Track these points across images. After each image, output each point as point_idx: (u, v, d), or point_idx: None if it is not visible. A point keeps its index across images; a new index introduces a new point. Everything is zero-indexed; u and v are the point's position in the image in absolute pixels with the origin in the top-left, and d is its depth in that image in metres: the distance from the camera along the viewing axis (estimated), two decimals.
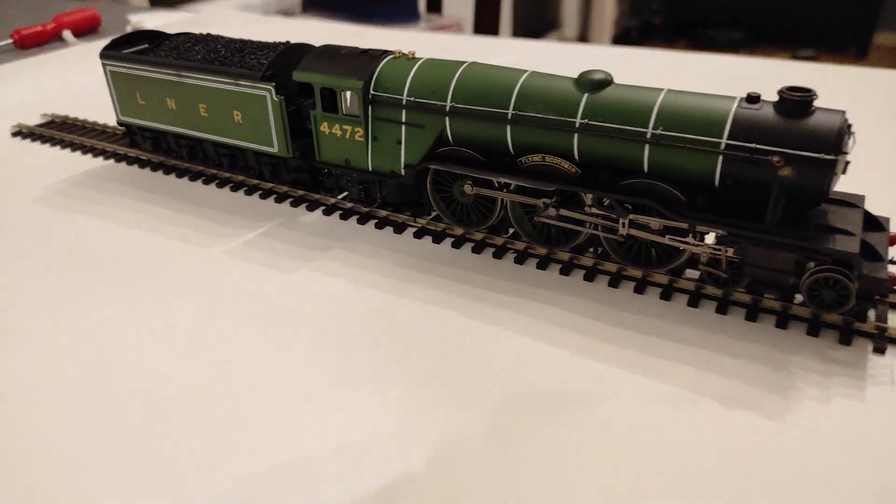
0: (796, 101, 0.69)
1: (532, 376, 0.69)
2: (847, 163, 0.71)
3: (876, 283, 0.67)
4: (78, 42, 2.02)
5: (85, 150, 1.25)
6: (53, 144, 1.29)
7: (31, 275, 0.89)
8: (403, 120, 0.88)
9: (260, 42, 1.04)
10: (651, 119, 0.74)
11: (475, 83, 0.84)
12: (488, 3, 3.42)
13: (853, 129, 0.70)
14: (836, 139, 0.67)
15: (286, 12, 3.80)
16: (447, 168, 0.87)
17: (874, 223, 0.75)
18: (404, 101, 0.87)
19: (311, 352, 0.74)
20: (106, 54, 1.11)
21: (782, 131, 0.69)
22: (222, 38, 1.09)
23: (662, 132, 0.74)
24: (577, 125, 0.78)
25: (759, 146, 0.70)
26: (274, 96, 0.96)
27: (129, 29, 2.18)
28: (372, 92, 0.89)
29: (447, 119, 0.85)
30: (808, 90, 0.70)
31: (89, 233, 0.98)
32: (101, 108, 1.35)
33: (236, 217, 1.01)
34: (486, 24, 3.35)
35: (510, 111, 0.81)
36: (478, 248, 0.90)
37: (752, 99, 0.72)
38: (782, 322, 0.75)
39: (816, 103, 0.70)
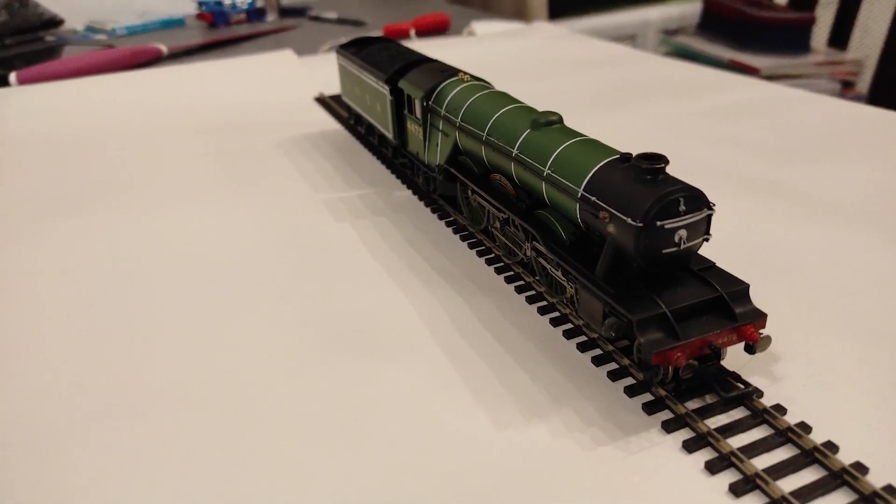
0: (643, 169, 0.72)
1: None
2: (703, 238, 0.71)
3: (647, 351, 0.67)
4: (416, 40, 2.58)
5: (335, 115, 1.75)
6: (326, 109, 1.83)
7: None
8: (440, 128, 1.10)
9: (420, 57, 1.34)
10: (549, 160, 0.83)
11: (477, 107, 1.01)
12: None
13: (698, 204, 0.70)
14: (647, 209, 0.69)
15: (671, 32, 3.94)
16: (452, 171, 1.06)
17: (730, 312, 0.71)
18: (442, 113, 1.08)
19: (305, 261, 1.05)
20: (339, 51, 1.54)
21: (618, 192, 0.73)
22: (401, 48, 1.42)
23: (551, 172, 0.82)
24: (513, 155, 0.90)
25: (597, 201, 0.74)
26: (389, 95, 1.25)
27: (465, 34, 2.68)
28: (429, 102, 1.12)
29: (457, 132, 1.04)
30: (659, 159, 0.71)
31: (275, 162, 1.44)
32: None
33: (361, 179, 1.35)
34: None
35: (484, 135, 0.97)
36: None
37: (624, 159, 0.75)
38: (613, 375, 0.77)
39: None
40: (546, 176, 0.83)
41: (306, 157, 1.49)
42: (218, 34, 2.86)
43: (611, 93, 1.86)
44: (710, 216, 0.72)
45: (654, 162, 0.72)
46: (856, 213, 1.14)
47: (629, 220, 0.70)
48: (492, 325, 0.89)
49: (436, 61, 1.27)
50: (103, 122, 1.79)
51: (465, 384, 0.78)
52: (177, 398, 0.78)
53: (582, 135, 0.86)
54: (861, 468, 0.64)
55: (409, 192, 1.29)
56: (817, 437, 0.68)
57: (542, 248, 0.86)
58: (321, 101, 1.88)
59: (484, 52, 2.36)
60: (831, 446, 0.67)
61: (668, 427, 0.70)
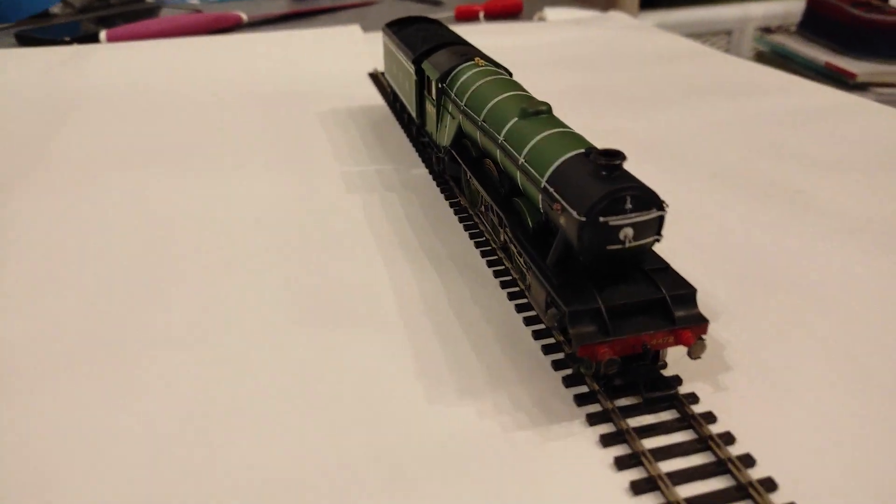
0: (599, 165, 0.72)
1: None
2: (654, 238, 0.72)
3: (575, 343, 0.68)
4: (484, 23, 2.59)
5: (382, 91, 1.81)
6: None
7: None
8: (449, 110, 1.12)
9: (452, 39, 1.36)
10: (525, 149, 0.84)
11: (479, 93, 1.02)
12: None
13: (647, 204, 0.70)
14: (592, 204, 0.69)
15: (770, 30, 3.77)
16: (453, 153, 1.09)
17: (669, 314, 0.71)
18: (452, 96, 1.11)
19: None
20: (384, 28, 1.58)
21: (572, 186, 0.73)
22: (442, 29, 1.44)
23: (524, 162, 0.83)
24: (499, 141, 0.91)
25: (553, 192, 0.75)
26: (414, 74, 1.28)
27: (535, 19, 2.66)
28: (443, 84, 1.14)
29: (461, 116, 1.06)
30: (616, 155, 0.71)
31: (311, 133, 1.51)
32: None
33: (385, 155, 1.40)
34: None
35: (480, 120, 0.98)
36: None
37: (587, 153, 0.76)
38: (556, 364, 0.79)
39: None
40: (521, 165, 0.85)
41: (342, 130, 1.54)
42: (299, 5, 2.97)
43: (665, 89, 1.81)
44: (661, 217, 0.72)
45: (611, 158, 0.72)
46: (886, 235, 1.08)
47: (575, 214, 0.71)
48: (459, 306, 0.91)
49: (466, 45, 1.29)
50: (172, 84, 1.91)
51: (415, 359, 0.82)
52: (159, 342, 0.86)
53: (565, 126, 0.86)
54: (770, 485, 0.63)
55: (425, 171, 1.32)
56: (739, 449, 0.67)
57: (510, 235, 0.87)
58: (374, 76, 1.94)
59: (544, 39, 2.34)
60: (748, 459, 0.66)
61: (592, 420, 0.71)
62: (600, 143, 1.58)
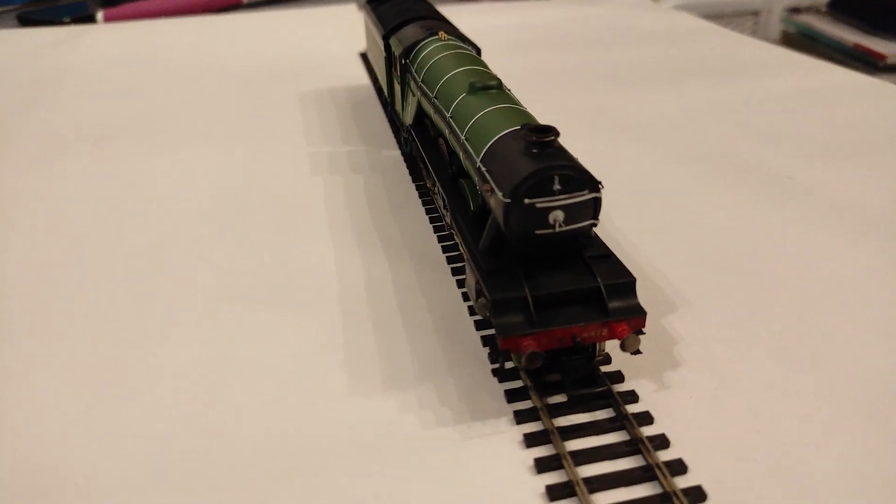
0: (530, 142, 0.66)
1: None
2: (590, 222, 0.66)
3: (497, 335, 0.63)
4: (487, 1, 2.51)
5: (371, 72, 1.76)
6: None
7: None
8: (411, 87, 1.07)
9: (425, 13, 1.30)
10: (466, 127, 0.79)
11: (436, 68, 0.97)
12: None
13: (579, 185, 0.64)
14: (517, 185, 0.63)
15: (798, 10, 3.63)
16: (412, 132, 1.04)
17: (603, 305, 0.65)
18: (413, 72, 1.05)
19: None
20: (365, 5, 1.53)
21: (502, 165, 0.68)
22: (422, 4, 1.38)
23: (465, 140, 0.78)
24: (446, 118, 0.86)
25: (486, 173, 0.70)
26: (384, 51, 1.23)
27: None
28: (405, 60, 1.09)
29: (419, 92, 1.01)
30: (548, 131, 0.66)
31: (287, 112, 1.46)
32: None
33: (359, 136, 1.35)
34: None
35: (432, 97, 0.93)
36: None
37: (526, 128, 0.70)
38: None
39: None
40: (461, 143, 0.79)
41: (319, 110, 1.50)
42: None
43: (662, 69, 1.73)
44: (596, 199, 0.66)
45: (543, 135, 0.66)
46: (867, 223, 1.00)
47: (500, 195, 0.65)
48: (403, 293, 0.86)
49: (439, 20, 1.23)
50: (158, 63, 1.88)
51: (345, 347, 0.77)
52: (85, 315, 0.83)
53: (513, 103, 0.81)
54: (699, 494, 0.58)
55: (397, 153, 1.27)
56: (672, 454, 0.62)
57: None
58: (364, 56, 1.89)
59: (544, 17, 2.27)
60: (679, 466, 0.60)
61: (519, 417, 0.66)
62: (578, 122, 1.52)
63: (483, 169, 0.71)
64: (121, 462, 0.63)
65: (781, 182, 1.11)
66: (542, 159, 0.65)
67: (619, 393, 0.68)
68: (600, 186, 0.66)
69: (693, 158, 1.22)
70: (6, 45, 2.11)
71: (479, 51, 1.11)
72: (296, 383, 0.72)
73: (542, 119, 1.42)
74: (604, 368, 0.72)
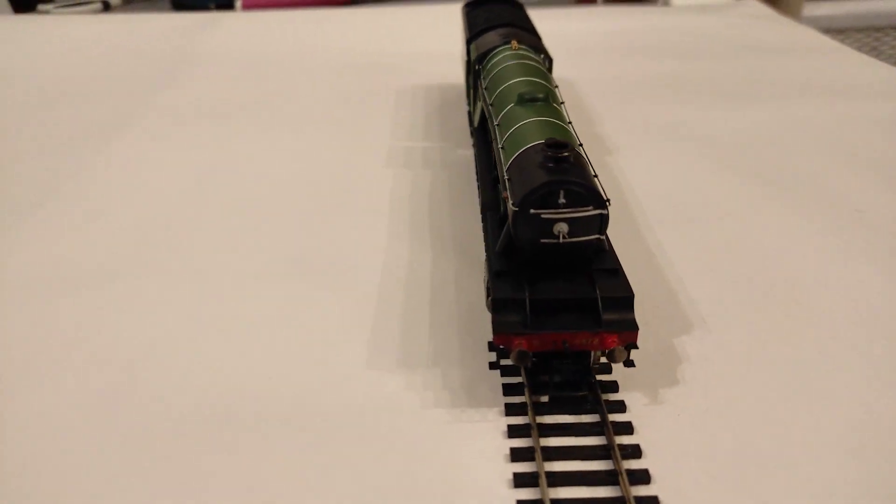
0: (546, 156, 0.70)
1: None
2: (595, 237, 0.70)
3: (493, 330, 0.68)
4: (601, 5, 2.50)
5: None
6: None
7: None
8: (479, 92, 1.13)
9: (511, 20, 1.35)
10: (505, 136, 0.84)
11: (498, 77, 1.02)
12: None
13: (584, 201, 0.68)
14: (525, 195, 0.68)
15: None
16: (475, 134, 1.10)
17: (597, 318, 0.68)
18: (481, 78, 1.11)
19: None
20: (462, 8, 1.60)
21: (522, 176, 0.72)
22: (514, 10, 1.43)
23: (501, 147, 0.83)
24: (494, 125, 0.91)
25: (507, 180, 0.75)
26: (467, 55, 1.29)
27: (659, 3, 2.54)
28: (478, 66, 1.15)
29: (483, 98, 1.06)
30: (562, 147, 0.70)
31: (380, 106, 1.56)
32: None
33: (440, 133, 1.43)
34: None
35: (489, 103, 0.98)
36: None
37: (550, 143, 0.74)
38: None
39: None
40: (498, 151, 0.85)
41: (410, 106, 1.59)
42: None
43: (761, 85, 1.67)
44: (602, 216, 0.70)
45: (558, 150, 0.71)
46: None
47: (511, 203, 0.70)
48: (437, 284, 0.93)
49: (522, 28, 1.28)
50: (281, 51, 2.05)
51: (372, 326, 0.85)
52: (160, 269, 0.97)
53: (552, 115, 0.85)
54: None
55: (471, 153, 1.34)
56: (641, 464, 0.65)
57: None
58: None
59: (650, 25, 2.23)
60: (643, 475, 0.63)
61: (508, 410, 0.71)
62: (652, 133, 1.54)
63: (506, 177, 0.76)
64: (168, 392, 0.75)
65: (849, 215, 1.07)
66: (553, 173, 0.70)
67: (608, 401, 0.72)
68: (607, 203, 0.70)
69: (763, 179, 1.19)
70: (157, 27, 2.37)
71: (550, 62, 1.15)
72: (321, 349, 0.81)
73: (612, 129, 1.45)
74: (603, 377, 0.75)
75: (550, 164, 0.71)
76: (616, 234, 1.01)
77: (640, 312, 0.84)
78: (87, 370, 0.79)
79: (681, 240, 1.02)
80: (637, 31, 2.18)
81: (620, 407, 0.71)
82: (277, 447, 0.69)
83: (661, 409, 0.72)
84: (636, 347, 0.70)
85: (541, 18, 2.24)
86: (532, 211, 0.69)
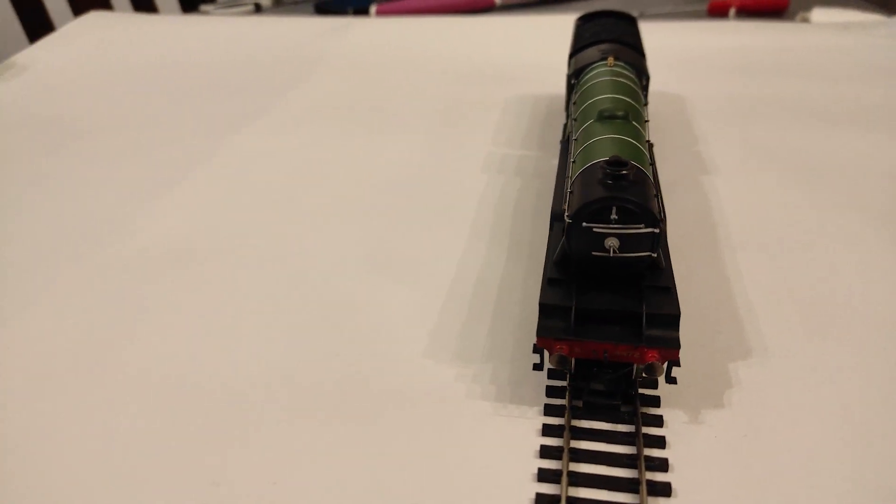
0: (605, 173, 0.73)
1: None
2: (647, 254, 0.72)
3: (537, 333, 0.72)
4: (733, 20, 2.41)
5: None
6: None
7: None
8: (570, 105, 1.16)
9: (616, 36, 1.35)
10: (579, 150, 0.87)
11: (587, 92, 1.05)
12: None
13: (635, 218, 0.70)
14: (578, 208, 0.72)
15: None
16: (564, 146, 1.13)
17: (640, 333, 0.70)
18: (573, 93, 1.14)
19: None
20: (576, 21, 1.62)
21: (582, 190, 0.75)
22: (623, 25, 1.44)
23: (572, 161, 0.86)
24: (573, 139, 0.94)
25: (569, 193, 0.78)
26: (568, 68, 1.32)
27: (797, 19, 2.41)
28: (574, 80, 1.18)
29: (573, 111, 1.09)
30: (622, 165, 0.72)
31: (484, 114, 1.63)
32: None
33: (539, 142, 1.46)
34: None
35: (573, 117, 1.01)
36: None
37: (611, 161, 0.76)
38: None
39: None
40: (569, 164, 0.88)
41: (515, 114, 1.63)
42: None
43: (884, 111, 1.56)
44: (654, 234, 0.71)
45: (617, 168, 0.73)
46: None
47: (566, 215, 0.74)
48: (505, 286, 0.98)
49: (623, 44, 1.29)
50: (401, 56, 2.16)
51: (437, 320, 0.91)
52: (252, 256, 1.08)
53: (627, 134, 0.87)
54: None
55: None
56: (667, 477, 0.66)
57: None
58: None
59: (778, 43, 2.12)
60: (664, 488, 0.65)
61: (547, 410, 0.75)
62: (752, 159, 1.52)
63: (569, 190, 0.80)
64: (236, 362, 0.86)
65: None
66: (609, 190, 0.73)
67: (647, 415, 0.74)
68: (661, 223, 0.72)
69: (870, 214, 1.13)
70: (296, 29, 2.56)
71: (647, 79, 1.16)
72: (385, 335, 0.89)
73: (716, 149, 1.43)
74: (646, 391, 0.77)
75: (609, 181, 0.74)
76: (693, 254, 1.02)
77: (699, 334, 0.85)
78: (172, 338, 0.91)
79: (761, 267, 1.00)
80: (767, 48, 2.09)
81: (658, 421, 0.73)
82: (328, 425, 0.76)
83: (699, 429, 0.73)
84: (678, 365, 0.71)
85: (665, 32, 2.21)
86: (584, 224, 0.72)
